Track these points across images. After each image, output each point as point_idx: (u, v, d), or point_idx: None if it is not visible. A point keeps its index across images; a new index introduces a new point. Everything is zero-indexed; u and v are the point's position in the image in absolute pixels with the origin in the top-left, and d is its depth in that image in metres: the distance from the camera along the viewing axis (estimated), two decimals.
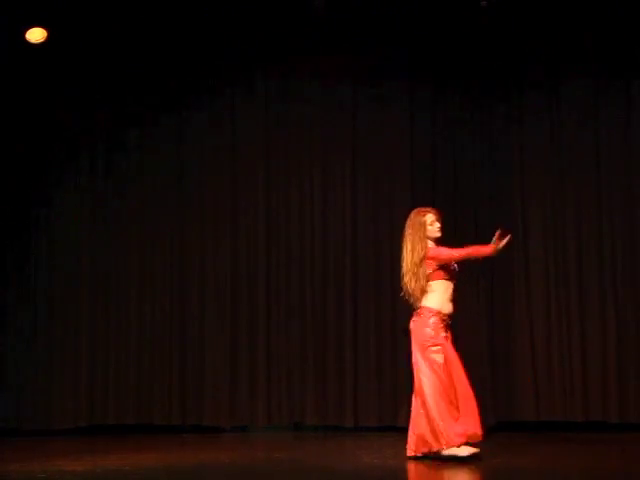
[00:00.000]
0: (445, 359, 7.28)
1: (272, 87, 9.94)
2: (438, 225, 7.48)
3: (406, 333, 7.54)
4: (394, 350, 9.44)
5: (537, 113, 9.70)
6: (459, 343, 9.43)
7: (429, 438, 7.18)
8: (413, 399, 7.38)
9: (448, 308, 7.42)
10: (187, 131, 10.00)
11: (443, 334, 7.34)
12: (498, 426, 9.38)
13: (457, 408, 7.24)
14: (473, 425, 7.23)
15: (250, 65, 9.93)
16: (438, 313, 7.35)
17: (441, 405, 7.17)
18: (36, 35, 9.45)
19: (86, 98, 9.95)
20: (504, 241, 7.36)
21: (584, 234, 9.58)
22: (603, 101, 9.59)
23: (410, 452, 7.29)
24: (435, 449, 7.19)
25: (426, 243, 7.42)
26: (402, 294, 7.49)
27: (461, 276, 9.48)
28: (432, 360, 7.27)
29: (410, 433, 7.31)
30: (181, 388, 9.72)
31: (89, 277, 9.88)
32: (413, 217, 7.48)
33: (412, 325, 7.40)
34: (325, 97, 9.87)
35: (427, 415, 7.19)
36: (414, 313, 7.42)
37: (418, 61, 9.76)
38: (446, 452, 7.16)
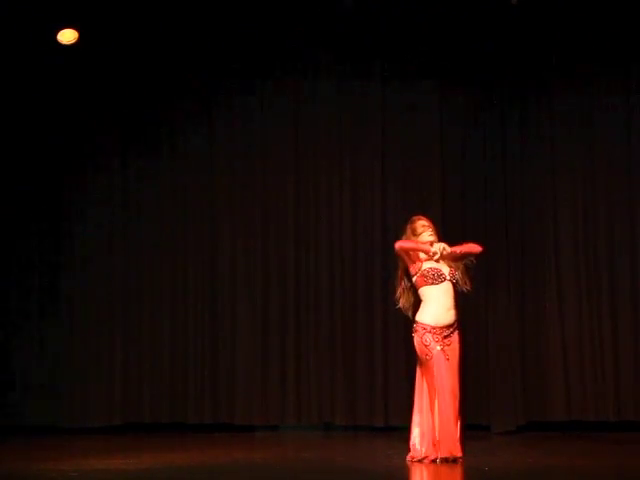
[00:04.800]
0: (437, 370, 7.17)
1: (302, 88, 9.96)
2: (430, 232, 7.36)
3: None
4: None
5: (569, 114, 9.65)
6: (490, 342, 9.51)
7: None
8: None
9: (445, 319, 7.23)
10: (218, 131, 10.04)
11: (438, 348, 7.16)
12: (529, 425, 9.37)
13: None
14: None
15: (280, 65, 9.95)
16: (433, 329, 7.19)
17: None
18: (67, 36, 9.52)
19: (118, 99, 10.01)
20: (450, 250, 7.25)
21: (616, 233, 9.53)
22: (636, 100, 9.55)
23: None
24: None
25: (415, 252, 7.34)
26: (397, 307, 7.46)
27: (491, 275, 9.56)
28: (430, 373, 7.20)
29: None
30: (213, 387, 9.79)
31: (122, 277, 9.97)
32: (408, 225, 7.43)
33: (413, 339, 7.30)
34: (355, 98, 9.87)
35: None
36: (413, 327, 7.31)
37: (448, 62, 9.71)
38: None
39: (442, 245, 7.29)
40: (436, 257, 7.28)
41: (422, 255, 7.36)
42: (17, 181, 10.06)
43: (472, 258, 7.43)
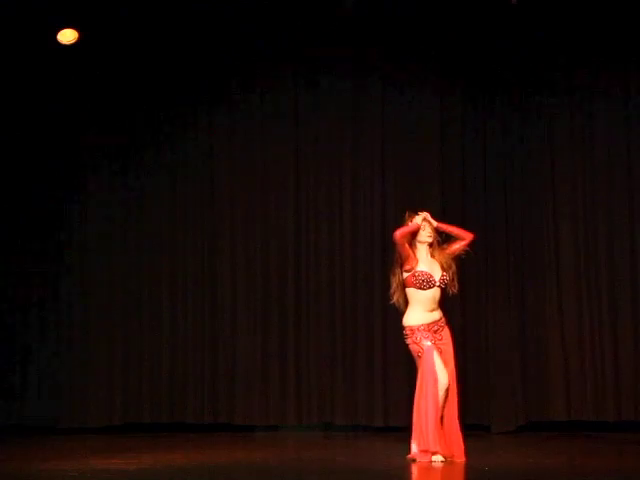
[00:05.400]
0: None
1: (302, 87, 9.96)
2: (429, 232, 7.38)
3: None
4: None
5: (568, 113, 9.65)
6: (490, 342, 9.52)
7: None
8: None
9: (431, 318, 7.30)
10: (218, 131, 10.05)
11: (428, 343, 7.22)
12: (529, 425, 9.38)
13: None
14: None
15: (280, 65, 9.95)
16: (421, 326, 7.25)
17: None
18: (67, 36, 9.52)
19: (121, 97, 10.02)
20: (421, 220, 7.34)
21: (615, 233, 9.53)
22: (635, 101, 9.55)
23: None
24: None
25: (412, 248, 7.39)
26: (392, 302, 7.51)
27: (491, 275, 9.57)
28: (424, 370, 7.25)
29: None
30: (213, 387, 9.79)
31: (122, 278, 9.97)
32: (409, 220, 7.46)
33: (407, 344, 7.37)
34: (354, 98, 9.87)
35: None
36: (403, 333, 7.37)
37: (448, 62, 9.72)
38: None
39: (423, 215, 7.38)
40: (426, 230, 7.34)
41: (419, 253, 7.39)
42: (16, 181, 10.07)
43: (464, 245, 7.46)
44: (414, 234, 7.41)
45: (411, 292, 7.35)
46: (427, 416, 7.12)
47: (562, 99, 9.67)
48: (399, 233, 7.37)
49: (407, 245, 7.36)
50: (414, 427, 7.22)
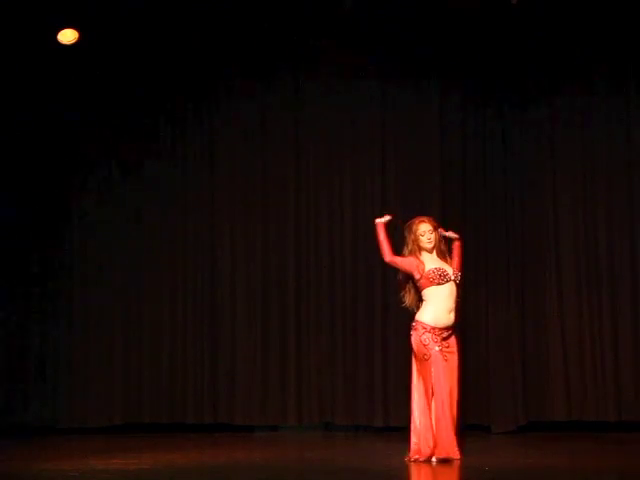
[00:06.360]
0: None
1: (302, 87, 9.97)
2: (429, 237, 7.42)
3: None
4: None
5: (568, 113, 9.66)
6: (490, 343, 9.52)
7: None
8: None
9: (445, 320, 7.29)
10: (218, 131, 10.05)
11: (436, 348, 7.23)
12: (530, 425, 9.37)
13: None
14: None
15: (280, 65, 9.96)
16: (432, 329, 7.25)
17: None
18: (67, 36, 9.52)
19: (118, 96, 10.02)
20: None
21: (615, 233, 9.53)
22: (635, 101, 9.55)
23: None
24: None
25: (415, 253, 7.43)
26: (403, 305, 7.54)
27: (491, 276, 9.57)
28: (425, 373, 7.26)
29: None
30: (212, 387, 9.79)
31: (122, 278, 9.97)
32: (410, 225, 7.51)
33: (411, 337, 7.37)
34: (354, 97, 9.88)
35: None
36: (412, 325, 7.39)
37: (448, 62, 9.73)
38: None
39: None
40: (425, 236, 7.41)
41: (423, 257, 7.40)
42: (16, 181, 10.07)
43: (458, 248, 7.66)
44: (416, 240, 7.43)
45: (430, 291, 7.34)
46: (447, 422, 7.13)
47: (563, 98, 9.67)
48: (386, 257, 7.45)
49: (399, 259, 7.42)
50: (439, 433, 7.16)
